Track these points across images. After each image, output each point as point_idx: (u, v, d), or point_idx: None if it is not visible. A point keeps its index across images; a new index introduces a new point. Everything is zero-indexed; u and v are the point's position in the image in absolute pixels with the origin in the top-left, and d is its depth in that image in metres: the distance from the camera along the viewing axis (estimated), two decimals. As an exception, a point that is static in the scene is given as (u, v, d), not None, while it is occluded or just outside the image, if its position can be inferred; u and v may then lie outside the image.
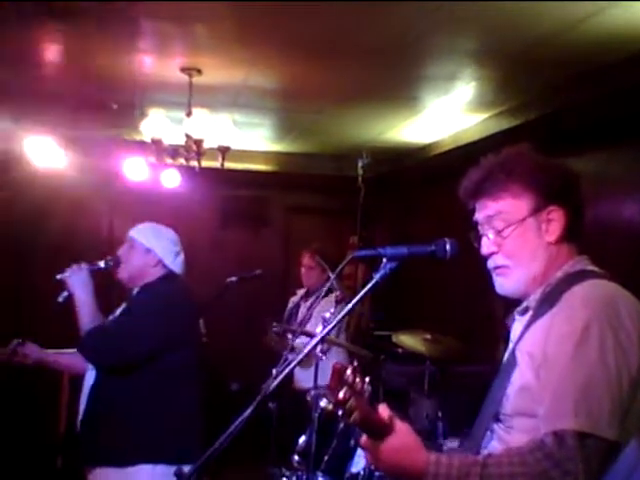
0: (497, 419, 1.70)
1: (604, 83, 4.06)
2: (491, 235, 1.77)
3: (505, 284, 1.78)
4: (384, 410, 1.54)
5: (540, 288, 1.73)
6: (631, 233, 4.42)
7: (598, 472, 1.42)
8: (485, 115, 5.35)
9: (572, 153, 3.88)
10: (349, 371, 1.46)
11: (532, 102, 4.74)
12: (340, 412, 1.47)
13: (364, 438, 1.53)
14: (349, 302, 1.72)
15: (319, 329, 2.79)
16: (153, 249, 3.04)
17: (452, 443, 3.27)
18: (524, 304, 1.78)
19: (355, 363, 1.53)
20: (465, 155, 5.62)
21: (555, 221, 1.72)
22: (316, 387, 3.31)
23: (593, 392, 1.46)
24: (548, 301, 1.66)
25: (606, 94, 4.14)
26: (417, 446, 1.53)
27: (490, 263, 1.79)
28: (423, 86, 4.88)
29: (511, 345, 1.77)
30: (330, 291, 5.06)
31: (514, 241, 1.74)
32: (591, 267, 1.73)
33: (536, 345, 1.61)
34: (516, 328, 1.80)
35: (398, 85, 4.78)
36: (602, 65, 3.93)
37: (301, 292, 5.39)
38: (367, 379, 1.54)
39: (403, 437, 1.52)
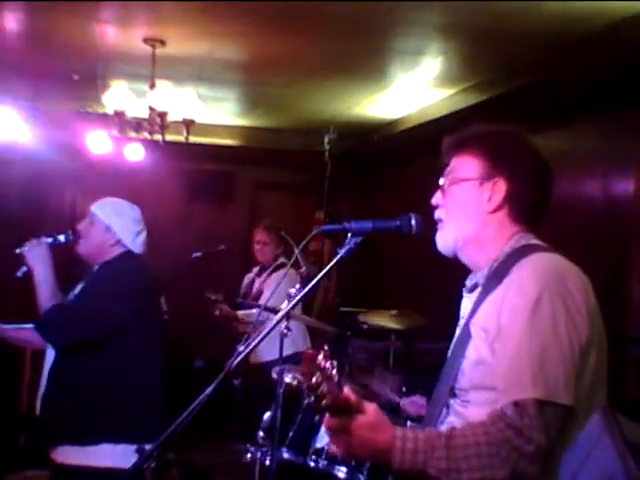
0: (453, 394, 1.72)
1: (570, 60, 4.07)
2: (440, 188, 1.84)
3: (439, 238, 1.84)
4: (349, 393, 1.55)
5: (487, 264, 1.76)
6: (592, 210, 4.47)
7: (556, 437, 1.46)
8: (452, 91, 5.34)
9: (538, 129, 3.89)
10: (321, 356, 1.47)
11: (499, 78, 4.74)
12: (312, 397, 1.48)
13: (330, 421, 1.53)
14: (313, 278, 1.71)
15: (284, 305, 2.78)
16: (112, 227, 2.97)
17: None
18: (473, 280, 1.81)
19: (326, 347, 1.53)
20: (432, 131, 5.61)
21: (497, 193, 1.75)
22: (281, 363, 3.30)
23: (548, 361, 1.50)
24: (496, 276, 1.69)
25: (572, 71, 4.16)
26: (384, 423, 1.54)
27: (435, 215, 1.85)
28: (391, 60, 4.85)
29: (462, 321, 1.81)
30: (281, 265, 5.10)
31: (454, 198, 1.81)
32: (536, 241, 1.76)
33: (489, 319, 1.64)
34: (465, 305, 1.84)
35: (366, 59, 4.74)
36: (568, 41, 3.94)
37: (256, 269, 5.41)
38: (335, 362, 1.54)
39: (371, 416, 1.53)
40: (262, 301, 4.90)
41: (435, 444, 1.48)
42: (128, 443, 2.67)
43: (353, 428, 1.51)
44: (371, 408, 1.55)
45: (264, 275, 5.21)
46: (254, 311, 4.94)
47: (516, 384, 1.50)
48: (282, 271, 5.03)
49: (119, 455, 2.70)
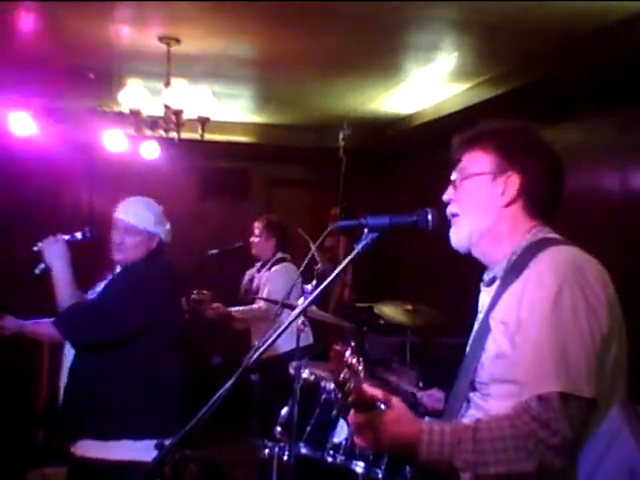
0: (473, 388, 1.73)
1: (585, 53, 4.05)
2: (452, 183, 1.84)
3: (453, 234, 1.84)
4: (375, 389, 1.56)
5: (505, 258, 1.76)
6: (610, 203, 4.45)
7: (580, 429, 1.47)
8: (467, 85, 5.32)
9: (553, 123, 3.88)
10: (348, 352, 1.47)
11: (513, 72, 4.73)
12: (340, 393, 1.48)
13: (357, 417, 1.53)
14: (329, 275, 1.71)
15: (300, 301, 2.79)
16: (152, 229, 2.98)
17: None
18: (491, 274, 1.81)
19: (352, 343, 1.53)
20: (447, 125, 5.59)
21: (510, 187, 1.76)
22: (297, 358, 3.31)
23: (570, 353, 1.50)
24: (515, 270, 1.69)
25: (587, 64, 4.13)
26: (410, 417, 1.55)
27: (447, 211, 1.85)
28: (405, 56, 4.84)
29: (481, 315, 1.81)
30: (281, 260, 5.12)
31: (466, 192, 1.81)
32: (553, 235, 1.76)
33: (509, 313, 1.64)
34: (483, 298, 1.84)
35: (380, 54, 4.73)
36: (583, 35, 3.92)
37: (258, 265, 5.43)
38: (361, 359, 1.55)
39: (397, 411, 1.54)
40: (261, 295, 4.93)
41: (462, 437, 1.49)
42: (148, 438, 2.69)
43: (380, 423, 1.51)
44: (397, 403, 1.56)
45: (263, 271, 5.23)
46: (255, 306, 4.96)
47: (539, 378, 1.51)
48: (280, 266, 5.06)
49: (140, 449, 2.71)
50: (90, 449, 2.84)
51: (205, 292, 4.94)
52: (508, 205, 1.76)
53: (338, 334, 5.43)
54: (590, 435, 1.47)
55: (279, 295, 4.66)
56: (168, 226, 3.07)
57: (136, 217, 2.98)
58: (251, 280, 5.38)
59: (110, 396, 2.83)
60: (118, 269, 3.03)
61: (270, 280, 5.01)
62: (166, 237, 3.04)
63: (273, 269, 5.11)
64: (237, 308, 4.98)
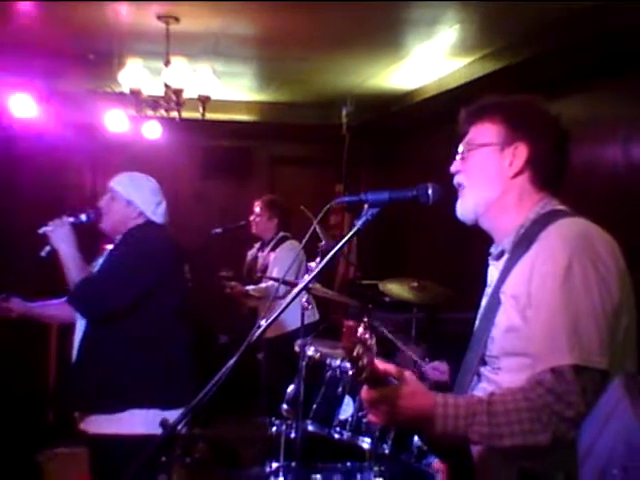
0: (483, 362, 1.73)
1: (588, 25, 4.01)
2: (459, 155, 1.84)
3: (460, 205, 1.84)
4: (388, 364, 1.56)
5: (513, 230, 1.75)
6: (613, 175, 4.43)
7: (593, 401, 1.48)
8: (469, 59, 5.28)
9: (556, 95, 3.84)
10: (361, 328, 1.46)
11: (516, 45, 4.68)
12: (353, 369, 1.47)
13: (370, 392, 1.53)
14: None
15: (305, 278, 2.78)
16: (134, 201, 3.02)
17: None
18: (499, 248, 1.81)
19: (365, 319, 1.53)
20: (450, 100, 5.56)
21: (518, 158, 1.75)
22: (304, 336, 3.32)
23: (582, 326, 1.51)
24: (524, 243, 1.69)
25: (591, 36, 4.09)
26: (424, 391, 1.55)
27: (454, 182, 1.85)
28: (406, 30, 4.80)
29: (489, 289, 1.81)
30: (283, 239, 5.14)
31: (473, 163, 1.80)
32: (561, 207, 1.76)
33: (519, 286, 1.64)
34: (492, 272, 1.83)
35: (381, 29, 4.69)
36: (586, 7, 3.87)
37: (257, 245, 5.45)
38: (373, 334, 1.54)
39: (411, 385, 1.54)
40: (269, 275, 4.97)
41: (476, 410, 1.50)
42: (158, 408, 2.71)
43: (395, 398, 1.51)
44: (410, 377, 1.56)
45: (266, 250, 5.25)
46: (263, 285, 5.00)
47: (552, 351, 1.51)
48: (286, 244, 5.08)
49: (152, 422, 2.74)
50: (102, 425, 2.87)
51: (229, 272, 5.11)
52: (515, 176, 1.76)
53: (344, 312, 5.45)
54: (592, 407, 1.47)
55: (289, 274, 4.68)
56: (155, 199, 3.07)
57: (119, 184, 3.06)
58: (255, 259, 5.40)
59: (122, 366, 2.86)
60: (118, 238, 3.06)
61: (279, 259, 5.03)
62: (149, 208, 3.04)
63: (279, 248, 5.13)
64: (251, 287, 5.05)
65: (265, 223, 5.26)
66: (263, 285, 5.02)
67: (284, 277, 4.07)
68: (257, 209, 5.31)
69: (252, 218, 5.32)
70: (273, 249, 5.21)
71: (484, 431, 1.49)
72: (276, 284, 4.72)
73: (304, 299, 3.41)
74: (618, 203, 4.26)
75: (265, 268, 5.18)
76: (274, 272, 4.94)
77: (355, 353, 1.43)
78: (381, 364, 1.53)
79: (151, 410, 2.78)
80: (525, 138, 1.75)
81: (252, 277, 5.27)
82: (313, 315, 5.07)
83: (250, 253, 5.52)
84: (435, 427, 1.50)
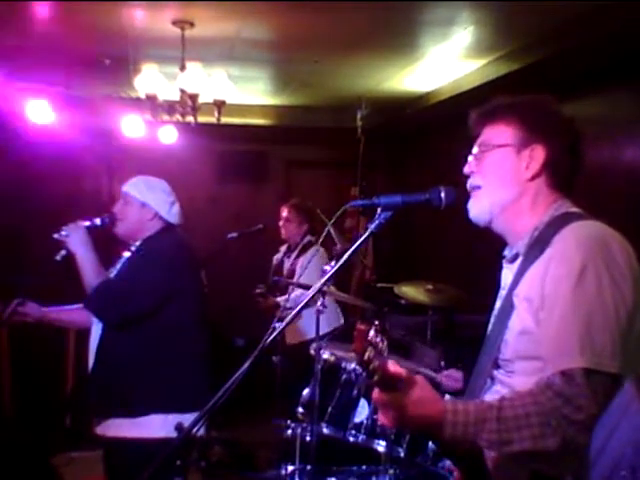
0: (497, 365, 1.72)
1: (604, 25, 3.98)
2: (472, 156, 1.82)
3: (473, 206, 1.82)
4: (395, 365, 1.54)
5: (528, 233, 1.74)
6: (631, 176, 4.39)
7: (604, 405, 1.47)
8: (484, 61, 5.26)
9: (572, 97, 3.82)
10: (372, 332, 1.46)
11: (531, 46, 4.66)
12: (365, 373, 1.47)
13: (381, 396, 1.53)
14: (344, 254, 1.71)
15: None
16: (148, 203, 3.04)
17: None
18: (513, 251, 1.80)
19: (377, 322, 1.53)
20: (465, 102, 5.53)
21: (535, 160, 1.74)
22: (318, 340, 3.32)
23: (595, 330, 1.50)
24: (538, 245, 1.68)
25: (606, 36, 4.06)
26: (434, 397, 1.54)
27: (468, 183, 1.83)
28: (421, 32, 4.79)
29: (503, 292, 1.79)
30: (309, 244, 5.13)
31: (489, 164, 1.79)
32: (574, 209, 1.74)
33: (533, 289, 1.62)
34: (506, 275, 1.82)
35: (395, 32, 4.68)
36: (602, 6, 3.84)
37: (283, 248, 5.45)
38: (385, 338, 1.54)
39: (421, 390, 1.53)
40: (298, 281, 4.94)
41: (486, 416, 1.49)
42: (178, 412, 2.72)
43: (404, 403, 1.50)
44: (421, 382, 1.55)
45: (293, 255, 5.23)
46: (293, 295, 4.97)
47: (563, 353, 1.50)
48: (313, 249, 5.06)
49: (170, 425, 2.75)
50: (121, 429, 2.88)
51: (261, 287, 5.14)
52: (532, 179, 1.75)
53: (361, 315, 5.44)
54: (604, 410, 1.47)
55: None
56: (169, 199, 3.09)
57: (132, 187, 3.07)
58: (280, 264, 5.38)
59: (140, 370, 2.88)
60: (134, 247, 3.08)
61: (309, 267, 4.99)
62: (164, 209, 3.06)
63: (308, 254, 5.09)
64: (282, 298, 5.03)
65: (296, 228, 5.24)
66: (293, 295, 4.99)
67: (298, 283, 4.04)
68: (285, 213, 5.28)
69: (281, 223, 5.29)
70: (300, 254, 5.19)
71: (493, 438, 1.48)
72: (306, 292, 4.70)
73: (319, 302, 3.41)
74: (635, 204, 4.22)
75: (292, 273, 5.16)
76: (301, 277, 4.91)
77: (366, 357, 1.44)
78: (393, 367, 1.52)
79: (170, 414, 2.79)
80: (542, 140, 1.74)
81: (278, 282, 5.25)
82: (338, 320, 5.06)
83: (276, 258, 5.50)
84: (444, 433, 1.50)
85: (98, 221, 3.06)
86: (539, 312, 1.59)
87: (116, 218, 3.06)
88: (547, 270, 1.60)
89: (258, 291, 5.18)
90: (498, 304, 1.81)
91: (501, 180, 1.77)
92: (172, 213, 3.09)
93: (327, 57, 5.45)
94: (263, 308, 5.14)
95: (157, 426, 2.80)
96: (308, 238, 5.23)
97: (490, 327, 1.81)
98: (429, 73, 5.73)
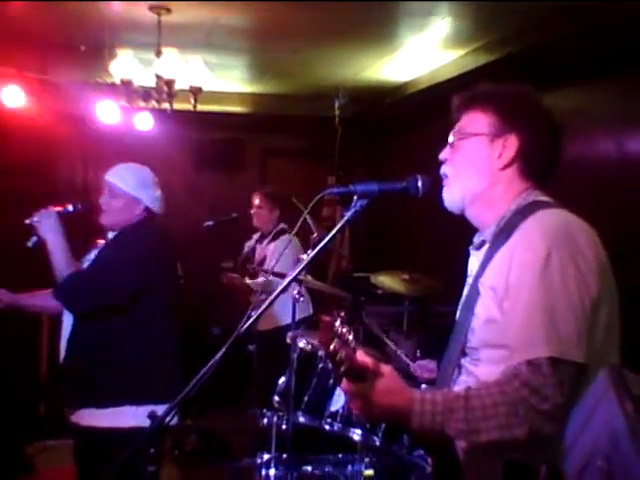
0: (464, 353, 1.73)
1: (582, 19, 4.00)
2: (449, 143, 1.83)
3: (445, 194, 1.83)
4: (363, 356, 1.55)
5: (496, 221, 1.74)
6: (604, 167, 4.43)
7: (570, 394, 1.47)
8: (462, 51, 5.27)
9: (549, 88, 3.83)
10: (338, 323, 1.47)
11: (509, 37, 4.67)
12: (331, 364, 1.48)
13: (349, 386, 1.53)
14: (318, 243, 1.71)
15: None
16: (142, 199, 3.01)
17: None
18: (480, 238, 1.81)
19: (342, 314, 1.53)
20: (443, 92, 5.54)
21: (508, 149, 1.74)
22: (294, 328, 3.31)
23: (559, 318, 1.50)
24: (504, 233, 1.68)
25: (584, 30, 4.08)
26: (402, 387, 1.55)
27: (441, 171, 1.84)
28: (399, 23, 4.78)
29: (470, 280, 1.80)
30: (282, 232, 5.13)
31: (463, 153, 1.79)
32: (543, 198, 1.74)
33: (497, 278, 1.63)
34: (472, 263, 1.83)
35: (374, 22, 4.67)
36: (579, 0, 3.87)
37: (256, 236, 5.44)
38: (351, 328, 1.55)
39: (389, 379, 1.54)
40: (265, 266, 4.94)
41: (453, 406, 1.50)
42: (149, 404, 2.70)
43: (371, 393, 1.51)
44: (388, 372, 1.55)
45: (265, 242, 5.23)
46: (260, 279, 4.97)
47: (529, 343, 1.50)
48: (285, 237, 5.06)
49: (143, 415, 2.74)
50: (93, 418, 2.87)
51: (229, 262, 5.11)
52: (504, 168, 1.75)
53: (337, 305, 5.45)
54: (577, 399, 1.47)
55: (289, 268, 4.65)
56: (157, 193, 3.07)
57: (121, 180, 3.01)
58: (252, 250, 5.38)
59: (110, 362, 2.86)
60: (110, 236, 3.04)
61: (280, 253, 4.98)
62: (153, 203, 3.04)
63: (279, 241, 5.10)
64: (254, 281, 5.01)
65: (267, 215, 5.24)
66: (261, 279, 4.98)
67: (271, 270, 4.04)
68: (257, 201, 5.27)
69: (253, 211, 5.29)
70: (272, 241, 5.19)
71: (461, 427, 1.49)
72: (276, 279, 4.70)
73: (295, 291, 3.40)
74: (609, 195, 4.26)
75: (263, 260, 5.16)
76: (276, 267, 4.92)
77: (332, 348, 1.44)
78: (361, 357, 1.52)
79: (141, 406, 2.76)
80: (516, 130, 1.73)
81: (248, 269, 5.24)
82: (307, 309, 5.06)
83: (247, 244, 5.49)
84: (412, 423, 1.51)
85: (70, 207, 3.03)
86: (503, 302, 1.60)
87: (89, 205, 3.02)
88: (512, 258, 1.60)
89: (224, 265, 5.16)
90: (465, 291, 1.82)
91: (473, 169, 1.77)
92: (156, 202, 3.06)
93: (305, 46, 5.43)
94: (229, 285, 5.07)
95: (128, 416, 2.79)
96: (281, 226, 5.23)
97: (458, 314, 1.82)
98: (407, 63, 5.73)
